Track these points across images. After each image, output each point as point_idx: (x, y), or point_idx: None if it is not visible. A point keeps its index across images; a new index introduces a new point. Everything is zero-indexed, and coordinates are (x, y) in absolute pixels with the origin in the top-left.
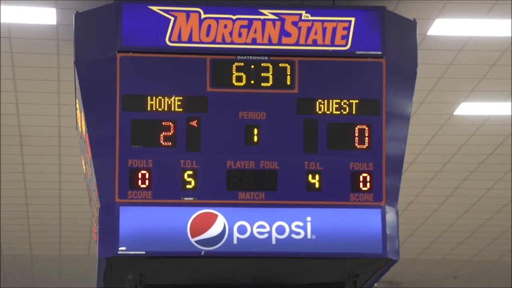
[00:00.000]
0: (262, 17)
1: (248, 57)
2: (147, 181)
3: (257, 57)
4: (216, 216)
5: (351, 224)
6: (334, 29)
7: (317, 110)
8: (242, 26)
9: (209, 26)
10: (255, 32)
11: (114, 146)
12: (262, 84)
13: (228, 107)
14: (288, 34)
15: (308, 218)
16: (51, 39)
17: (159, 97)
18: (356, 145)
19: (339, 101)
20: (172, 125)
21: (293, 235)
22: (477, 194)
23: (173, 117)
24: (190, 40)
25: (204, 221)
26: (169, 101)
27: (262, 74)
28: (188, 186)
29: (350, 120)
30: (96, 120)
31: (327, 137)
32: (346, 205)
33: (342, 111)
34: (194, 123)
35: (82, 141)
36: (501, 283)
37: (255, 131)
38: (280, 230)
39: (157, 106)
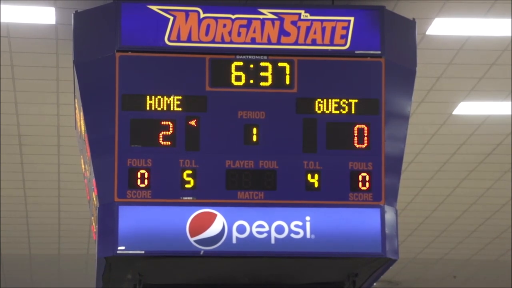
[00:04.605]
0: (261, 16)
1: (247, 56)
2: (146, 181)
3: (256, 57)
4: (215, 215)
5: (350, 223)
6: (333, 29)
7: (316, 110)
8: (241, 26)
9: (208, 26)
10: (254, 31)
11: (113, 146)
12: (261, 84)
13: (227, 107)
14: (287, 34)
15: (307, 218)
16: (50, 38)
17: (158, 97)
18: (355, 144)
19: (338, 100)
20: (171, 124)
21: (292, 235)
22: (476, 194)
23: (172, 116)
24: (189, 40)
25: (203, 220)
26: (168, 100)
27: (261, 74)
28: (187, 186)
29: (349, 119)
30: (95, 120)
31: (326, 137)
32: (345, 204)
33: (341, 110)
34: (193, 122)
35: (81, 140)
36: (500, 282)
37: (254, 130)
38: (279, 229)
39: (156, 105)
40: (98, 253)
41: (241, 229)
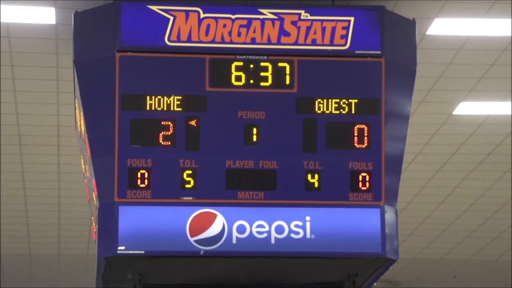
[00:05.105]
0: (261, 16)
1: (247, 56)
2: (146, 181)
3: (256, 57)
4: (215, 215)
5: (350, 223)
6: (333, 29)
7: (316, 110)
8: (241, 26)
9: (208, 26)
10: (254, 31)
11: (113, 146)
12: (261, 84)
13: (227, 107)
14: (287, 34)
15: (307, 218)
16: (50, 38)
17: (158, 97)
18: (355, 144)
19: (338, 100)
20: (171, 124)
21: (292, 235)
22: (476, 194)
23: (172, 116)
24: (189, 40)
25: (203, 220)
26: (168, 100)
27: (261, 74)
28: (187, 186)
29: (349, 119)
30: (95, 120)
31: (326, 137)
32: (345, 204)
33: (341, 110)
34: (193, 122)
35: (81, 140)
36: (500, 282)
37: (254, 130)
38: (279, 229)
39: (156, 105)
40: (98, 253)
41: (241, 229)
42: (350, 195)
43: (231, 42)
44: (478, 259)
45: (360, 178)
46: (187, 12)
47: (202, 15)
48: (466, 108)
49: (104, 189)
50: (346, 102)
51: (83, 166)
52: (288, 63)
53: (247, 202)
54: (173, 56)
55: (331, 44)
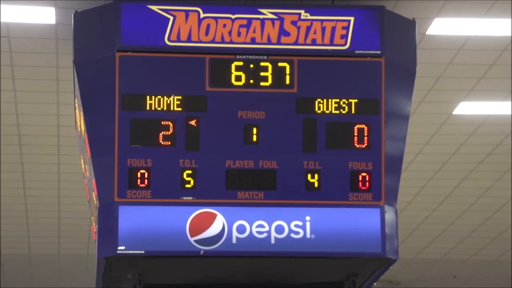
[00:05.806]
0: (261, 16)
1: (247, 56)
2: (146, 181)
3: (256, 57)
4: (215, 215)
5: (350, 223)
6: (333, 29)
7: (316, 110)
8: (241, 26)
9: (208, 26)
10: (254, 31)
11: (113, 146)
12: (261, 84)
13: (227, 107)
14: (287, 34)
15: (307, 218)
16: (50, 38)
17: (158, 97)
18: (355, 144)
19: (338, 100)
20: (171, 124)
21: (292, 235)
22: (476, 194)
23: (172, 116)
24: (189, 40)
25: (203, 220)
26: (168, 100)
27: (261, 74)
28: (187, 186)
29: (349, 119)
30: (95, 120)
31: (326, 137)
32: (345, 204)
33: (341, 110)
34: (193, 122)
35: (81, 140)
36: (500, 282)
37: (254, 130)
38: (279, 229)
39: (156, 105)
40: (98, 253)
41: (241, 229)
42: (350, 195)
43: (231, 42)
44: (478, 259)
45: (360, 178)
46: (187, 12)
47: (202, 15)
48: (466, 108)
49: (104, 189)
50: (346, 102)
51: (83, 166)
52: (288, 63)
53: (247, 202)
54: (173, 56)
55: (331, 44)
